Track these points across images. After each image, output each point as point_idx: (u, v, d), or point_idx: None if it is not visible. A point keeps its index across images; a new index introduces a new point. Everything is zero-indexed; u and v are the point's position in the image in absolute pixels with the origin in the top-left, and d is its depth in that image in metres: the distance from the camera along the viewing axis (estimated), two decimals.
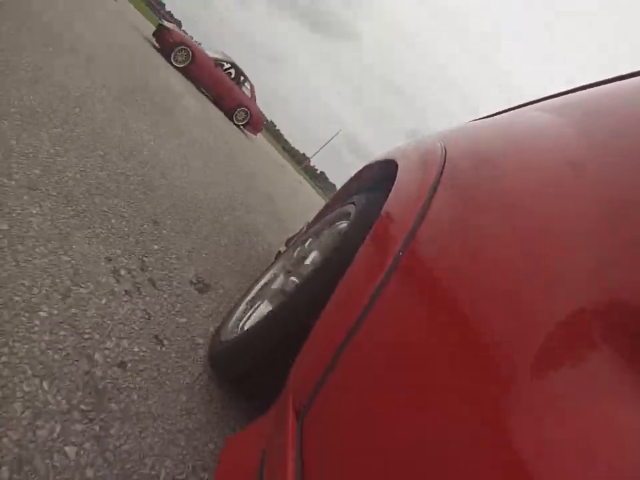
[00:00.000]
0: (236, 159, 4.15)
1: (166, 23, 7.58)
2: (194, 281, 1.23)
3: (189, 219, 1.64)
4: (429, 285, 0.46)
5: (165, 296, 1.04)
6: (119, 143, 1.71)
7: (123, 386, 0.73)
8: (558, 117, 0.55)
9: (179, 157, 2.27)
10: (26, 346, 0.64)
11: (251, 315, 1.04)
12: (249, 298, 1.16)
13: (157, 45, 7.43)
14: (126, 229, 1.17)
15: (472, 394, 0.32)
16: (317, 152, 46.29)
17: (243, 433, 0.69)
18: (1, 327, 0.63)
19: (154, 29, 7.76)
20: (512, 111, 0.80)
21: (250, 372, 0.83)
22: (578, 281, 0.32)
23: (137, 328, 0.86)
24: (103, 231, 1.06)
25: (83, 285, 0.84)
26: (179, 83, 5.80)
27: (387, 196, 0.72)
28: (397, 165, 0.83)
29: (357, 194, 1.10)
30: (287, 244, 1.78)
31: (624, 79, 0.56)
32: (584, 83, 0.66)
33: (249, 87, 8.89)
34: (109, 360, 0.74)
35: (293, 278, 1.04)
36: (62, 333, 0.71)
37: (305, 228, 1.71)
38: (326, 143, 44.66)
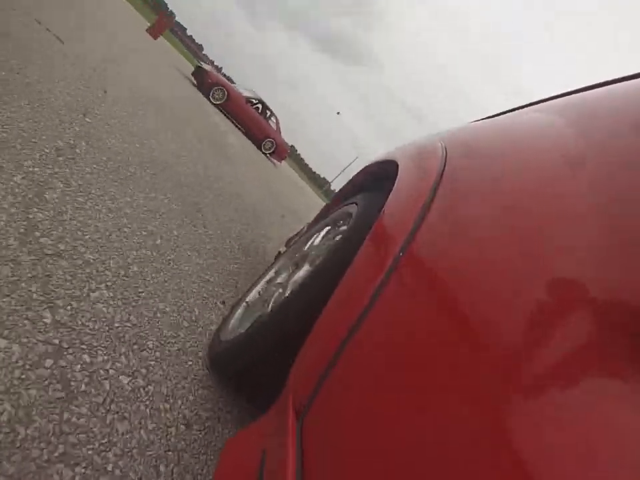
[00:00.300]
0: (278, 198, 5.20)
1: (204, 65, 8.68)
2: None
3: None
4: (429, 285, 0.46)
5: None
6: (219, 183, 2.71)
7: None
8: (558, 118, 0.55)
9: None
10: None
11: (250, 316, 1.04)
12: (249, 298, 1.15)
13: (195, 81, 8.54)
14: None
15: (472, 393, 0.32)
16: (337, 176, 47.36)
17: (243, 433, 0.69)
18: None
19: (177, 55, 8.94)
20: (512, 112, 0.81)
21: (249, 372, 0.84)
22: (578, 281, 0.32)
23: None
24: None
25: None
26: (224, 123, 6.88)
27: (387, 196, 0.72)
28: (397, 165, 0.83)
29: (358, 194, 1.10)
30: (287, 244, 1.78)
31: (624, 80, 0.57)
32: (584, 85, 0.67)
33: (274, 121, 9.99)
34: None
35: (293, 279, 1.04)
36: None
37: (305, 228, 1.72)
38: (344, 168, 45.47)
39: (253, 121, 9.58)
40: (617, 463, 0.24)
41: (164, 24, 11.31)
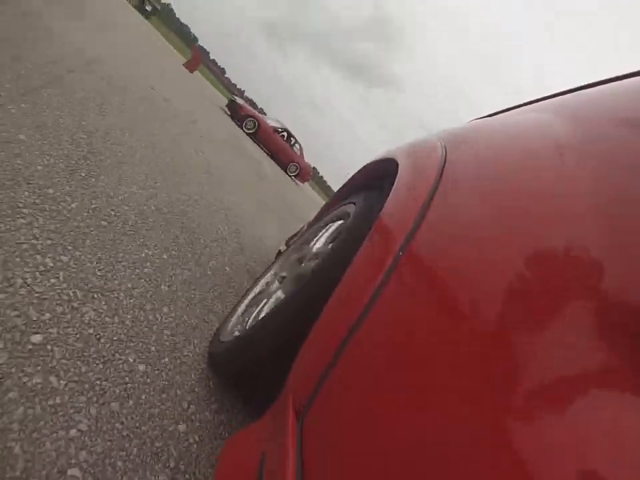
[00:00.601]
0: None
1: (237, 99, 9.80)
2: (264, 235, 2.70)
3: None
4: (429, 285, 0.46)
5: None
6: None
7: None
8: (558, 117, 0.55)
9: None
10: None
11: (249, 317, 1.04)
12: (248, 299, 1.15)
13: (228, 112, 10.14)
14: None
15: (472, 393, 0.32)
16: None
17: (243, 433, 0.69)
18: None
19: (207, 84, 10.17)
20: (512, 111, 0.80)
21: (247, 373, 0.84)
22: (578, 281, 0.32)
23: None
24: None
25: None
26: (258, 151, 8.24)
27: (387, 195, 0.72)
28: (397, 164, 0.83)
29: (357, 193, 1.09)
30: (286, 243, 1.80)
31: (622, 79, 0.56)
32: (584, 83, 0.67)
33: (298, 147, 11.26)
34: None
35: (293, 278, 1.03)
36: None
37: (305, 227, 1.74)
38: None
39: (279, 147, 11.06)
40: (616, 463, 0.24)
41: (198, 59, 12.56)
